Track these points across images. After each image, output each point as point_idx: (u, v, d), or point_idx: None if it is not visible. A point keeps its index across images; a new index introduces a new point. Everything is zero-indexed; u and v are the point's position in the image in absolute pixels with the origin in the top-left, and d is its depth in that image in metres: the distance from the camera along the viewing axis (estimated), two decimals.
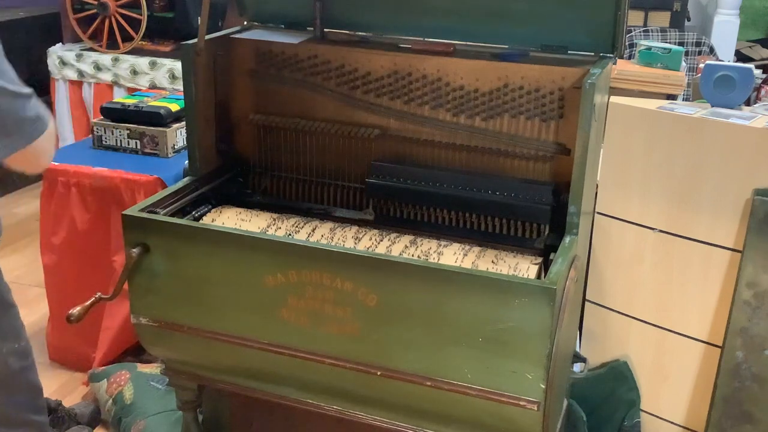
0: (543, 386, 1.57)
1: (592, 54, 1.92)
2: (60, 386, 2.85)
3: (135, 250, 1.77)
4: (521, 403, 1.59)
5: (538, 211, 1.89)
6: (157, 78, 4.16)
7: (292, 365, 1.76)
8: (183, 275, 1.79)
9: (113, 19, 4.19)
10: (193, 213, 1.96)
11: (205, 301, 1.78)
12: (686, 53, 4.34)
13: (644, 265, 2.24)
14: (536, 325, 1.54)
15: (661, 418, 2.31)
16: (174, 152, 2.81)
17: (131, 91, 4.05)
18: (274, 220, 1.96)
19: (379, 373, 1.68)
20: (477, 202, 1.94)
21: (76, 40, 4.38)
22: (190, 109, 1.98)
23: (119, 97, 3.57)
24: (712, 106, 2.24)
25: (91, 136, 2.89)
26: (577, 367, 2.40)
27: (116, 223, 2.64)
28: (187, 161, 2.06)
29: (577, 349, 2.42)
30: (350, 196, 2.09)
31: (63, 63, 4.31)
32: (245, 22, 2.20)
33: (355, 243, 1.87)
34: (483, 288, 1.55)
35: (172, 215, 1.87)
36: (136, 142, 2.80)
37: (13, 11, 4.81)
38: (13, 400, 1.87)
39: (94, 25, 4.21)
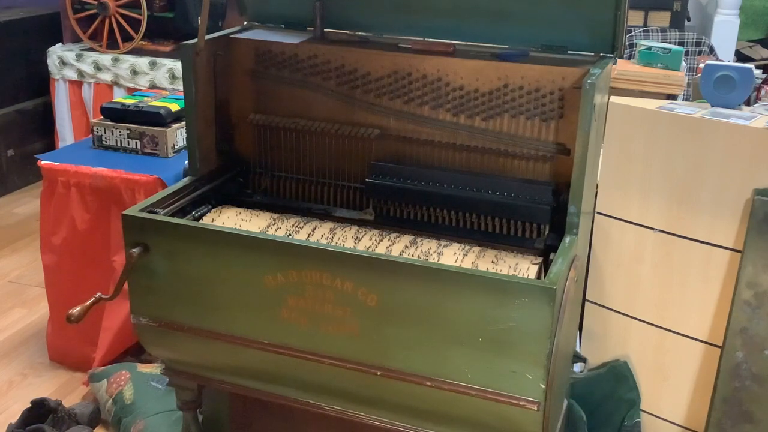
0: (543, 386, 1.57)
1: (592, 54, 1.92)
2: (60, 386, 2.85)
3: (135, 250, 1.77)
4: (521, 403, 1.59)
5: (538, 211, 1.89)
6: (157, 78, 4.16)
7: (292, 365, 1.76)
8: (183, 275, 1.79)
9: (113, 19, 4.19)
10: (193, 213, 1.96)
11: (205, 301, 1.79)
12: (686, 53, 4.34)
13: (644, 265, 2.24)
14: (536, 325, 1.54)
15: (661, 418, 2.31)
16: (174, 152, 2.81)
17: (131, 91, 4.05)
18: (274, 220, 1.96)
19: (379, 373, 1.68)
20: (477, 202, 1.94)
21: (76, 40, 4.38)
22: (190, 109, 1.98)
23: (119, 97, 3.57)
24: (712, 106, 2.24)
25: (91, 136, 2.89)
26: (577, 367, 2.40)
27: (116, 223, 2.64)
28: (187, 161, 2.06)
29: (577, 349, 2.42)
30: (350, 196, 2.09)
31: (63, 63, 4.31)
32: (245, 22, 2.20)
33: (355, 243, 1.87)
34: (483, 288, 1.55)
35: (172, 215, 1.87)
36: (136, 142, 2.80)
37: (13, 11, 4.82)
38: None
39: (94, 25, 4.22)
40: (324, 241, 1.87)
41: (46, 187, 2.76)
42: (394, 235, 1.91)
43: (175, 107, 2.83)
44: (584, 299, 2.35)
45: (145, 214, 1.80)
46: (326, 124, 2.05)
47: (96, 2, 4.15)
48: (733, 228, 2.06)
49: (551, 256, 1.77)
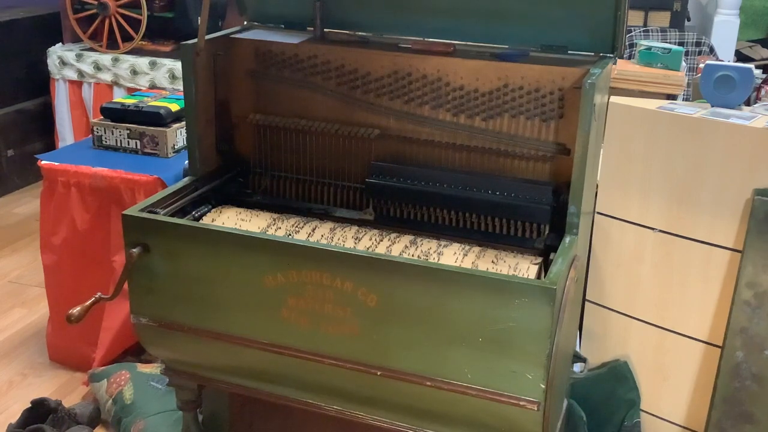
0: (543, 386, 1.57)
1: (592, 54, 1.92)
2: (60, 386, 2.85)
3: (135, 250, 1.77)
4: (521, 403, 1.59)
5: (538, 211, 1.89)
6: (157, 78, 4.16)
7: (292, 365, 1.76)
8: (183, 275, 1.79)
9: (113, 19, 4.19)
10: (193, 213, 1.96)
11: (205, 301, 1.79)
12: (686, 53, 4.34)
13: (644, 265, 2.24)
14: (536, 325, 1.54)
15: (661, 418, 2.31)
16: (174, 152, 2.81)
17: (131, 91, 4.05)
18: (274, 220, 1.96)
19: (379, 373, 1.68)
20: (477, 202, 1.94)
21: (76, 40, 4.38)
22: (190, 109, 1.98)
23: (119, 97, 3.57)
24: (712, 106, 2.24)
25: (91, 136, 2.89)
26: (577, 367, 2.40)
27: (116, 223, 2.64)
28: (187, 161, 2.06)
29: (577, 349, 2.42)
30: (350, 196, 2.09)
31: (63, 63, 4.31)
32: (245, 22, 2.20)
33: (355, 243, 1.87)
34: (483, 288, 1.55)
35: (172, 215, 1.87)
36: (136, 142, 2.80)
37: (13, 11, 4.82)
38: None
39: (94, 25, 4.22)
40: (324, 241, 1.87)
41: (46, 187, 2.76)
42: (394, 235, 1.91)
43: (175, 107, 2.83)
44: (584, 299, 2.35)
45: (145, 214, 1.80)
46: (326, 124, 2.05)
47: (96, 2, 4.15)
48: (733, 228, 2.06)
49: (551, 256, 1.77)
